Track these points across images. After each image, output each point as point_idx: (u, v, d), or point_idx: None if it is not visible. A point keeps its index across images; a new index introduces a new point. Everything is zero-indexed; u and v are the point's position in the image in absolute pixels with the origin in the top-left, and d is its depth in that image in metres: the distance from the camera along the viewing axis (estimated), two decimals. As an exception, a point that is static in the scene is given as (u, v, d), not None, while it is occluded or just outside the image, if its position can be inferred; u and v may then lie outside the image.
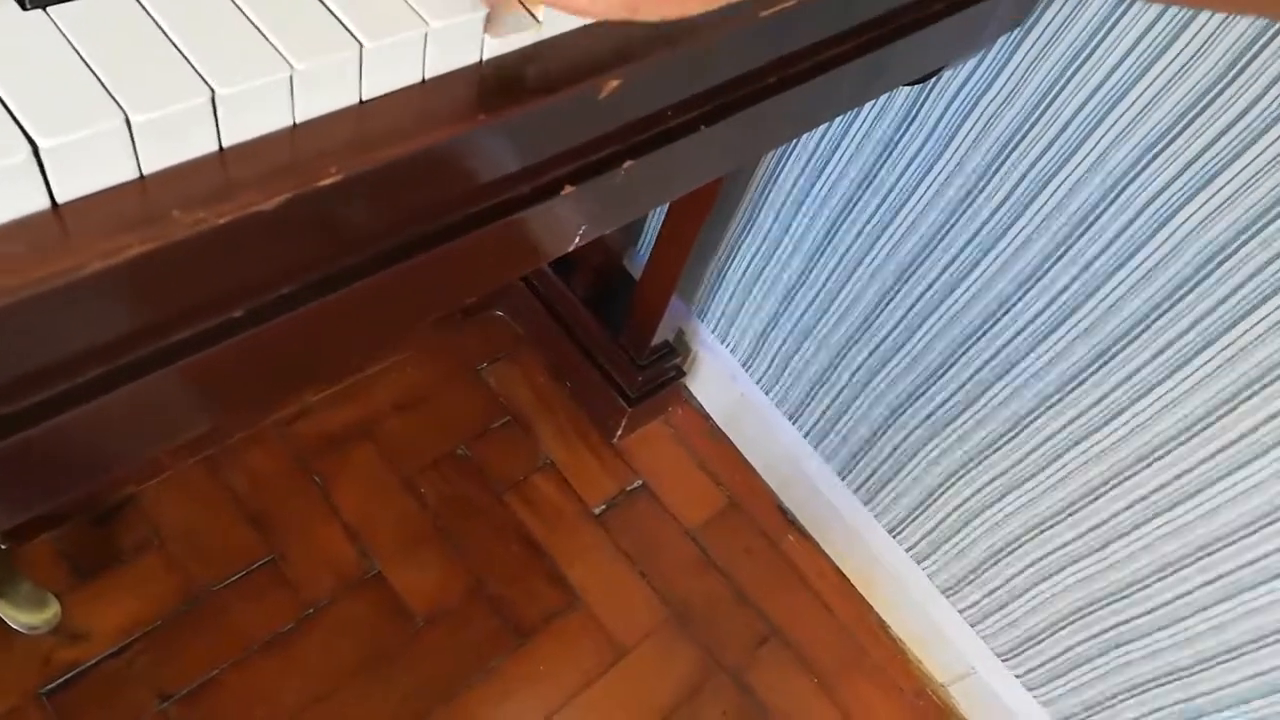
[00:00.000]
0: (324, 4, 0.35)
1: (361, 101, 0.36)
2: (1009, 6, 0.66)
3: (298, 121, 0.35)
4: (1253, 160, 0.71)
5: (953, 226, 0.93)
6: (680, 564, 1.25)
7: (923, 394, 1.06)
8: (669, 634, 1.20)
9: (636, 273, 1.19)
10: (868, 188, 0.98)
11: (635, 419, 1.28)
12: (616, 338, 1.24)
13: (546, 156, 0.43)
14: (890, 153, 0.94)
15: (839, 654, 1.24)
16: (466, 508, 1.21)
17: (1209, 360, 0.79)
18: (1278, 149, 0.69)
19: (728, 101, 0.50)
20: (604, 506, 1.26)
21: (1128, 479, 0.90)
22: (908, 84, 0.78)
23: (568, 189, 0.44)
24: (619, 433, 1.29)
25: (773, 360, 1.23)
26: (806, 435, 1.25)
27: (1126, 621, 0.97)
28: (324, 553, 1.14)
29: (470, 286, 0.46)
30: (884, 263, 1.01)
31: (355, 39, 0.35)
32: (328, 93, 0.35)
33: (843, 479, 1.23)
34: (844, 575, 1.29)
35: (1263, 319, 0.75)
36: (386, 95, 0.37)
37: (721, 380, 1.32)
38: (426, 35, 0.37)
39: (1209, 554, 0.87)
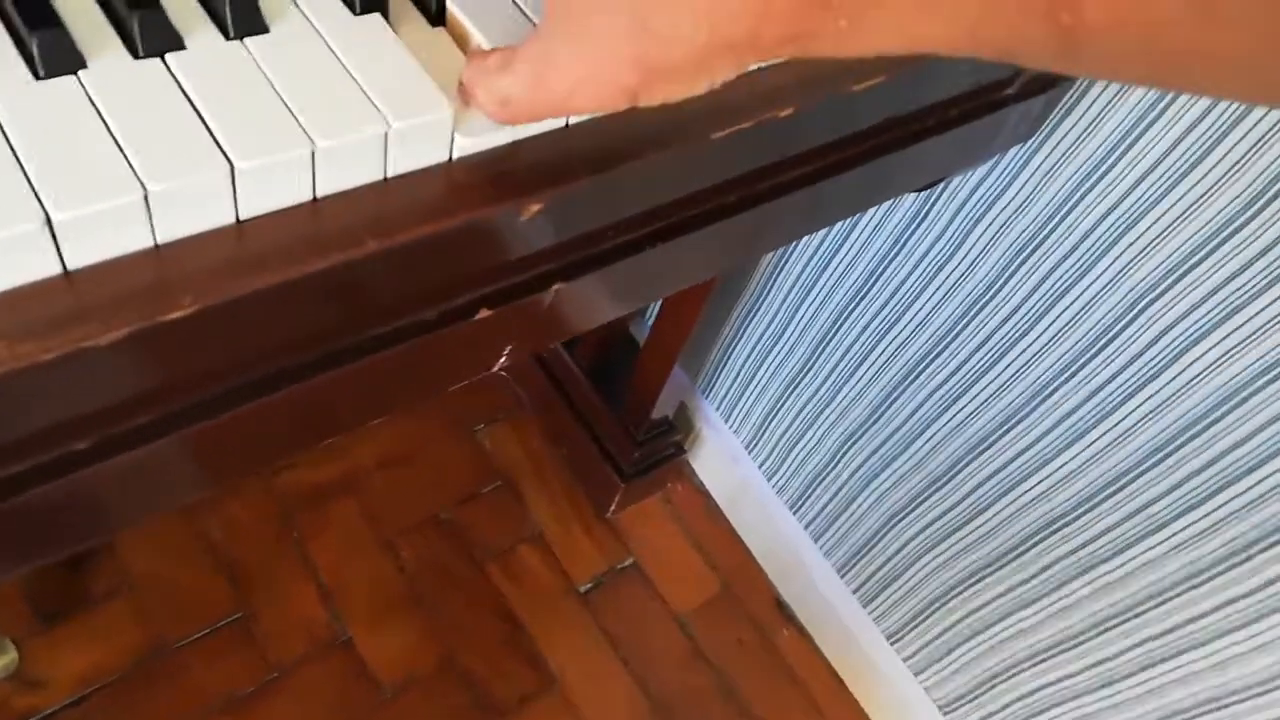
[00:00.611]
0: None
1: (239, 221, 0.33)
2: (1017, 121, 0.61)
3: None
4: (1277, 298, 0.65)
5: (962, 331, 0.88)
6: (667, 653, 1.20)
7: (925, 500, 1.00)
8: (647, 728, 1.14)
9: (643, 340, 1.15)
10: (875, 282, 0.94)
11: (630, 494, 1.24)
12: (616, 409, 1.20)
13: (460, 280, 0.40)
14: (899, 250, 0.89)
15: (827, 762, 1.17)
16: (446, 575, 1.17)
17: (1226, 504, 0.73)
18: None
19: (681, 220, 0.46)
20: (591, 584, 1.21)
21: (1136, 616, 0.83)
22: (913, 191, 0.73)
23: (483, 313, 0.40)
24: (613, 508, 1.24)
25: (775, 446, 1.18)
26: (808, 527, 1.19)
27: (1129, 767, 0.89)
28: (296, 613, 1.10)
29: (373, 408, 0.42)
30: (890, 361, 0.96)
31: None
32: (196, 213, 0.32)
33: (842, 576, 1.17)
34: (839, 678, 1.22)
35: (1287, 465, 0.69)
36: (268, 215, 0.34)
37: (723, 461, 1.27)
38: (313, 153, 0.33)
39: (1220, 707, 0.80)
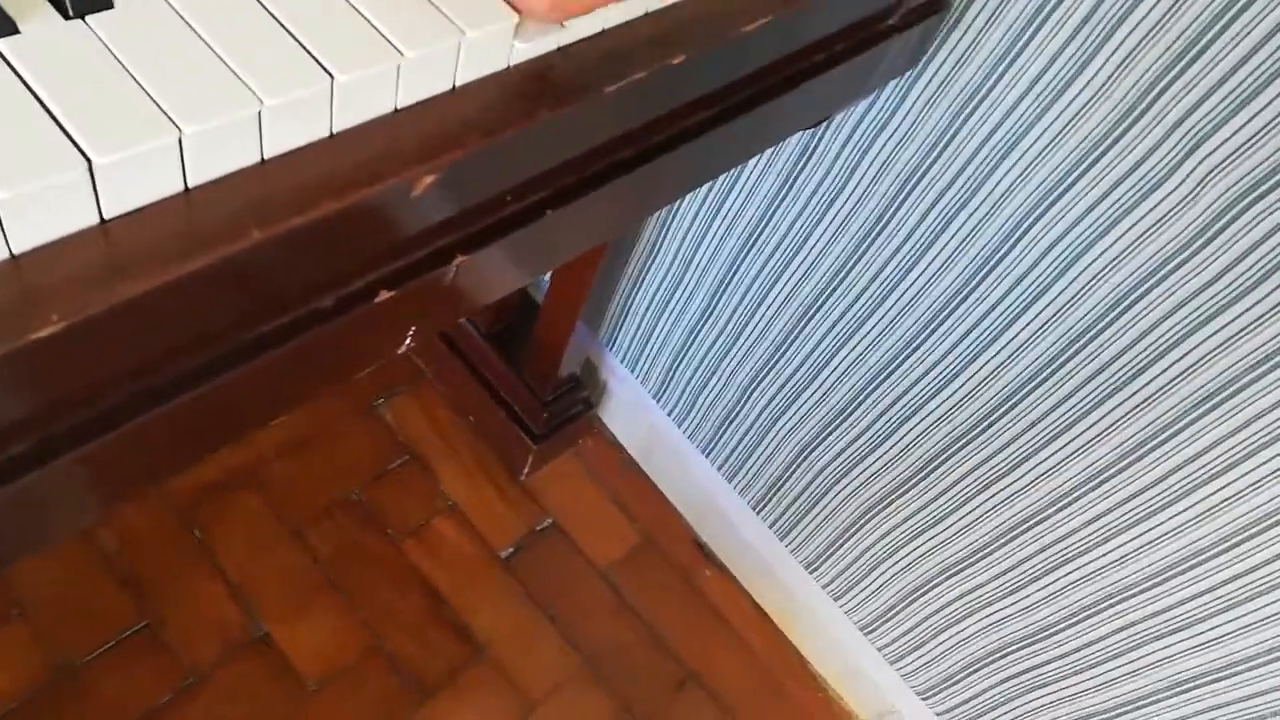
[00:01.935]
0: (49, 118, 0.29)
1: (103, 221, 0.30)
2: (897, 52, 0.61)
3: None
4: (1155, 206, 0.68)
5: (855, 265, 0.89)
6: (593, 607, 1.20)
7: (832, 432, 1.02)
8: (581, 684, 1.14)
9: (541, 298, 1.13)
10: (767, 224, 0.94)
11: (542, 455, 1.23)
12: (520, 371, 1.18)
13: (356, 262, 0.37)
14: (788, 190, 0.90)
15: (760, 694, 1.20)
16: (361, 557, 1.14)
17: (1117, 406, 0.76)
18: (1175, 199, 0.66)
19: (580, 180, 0.44)
20: (511, 549, 1.20)
21: (1038, 524, 0.87)
22: (801, 130, 0.73)
23: (384, 294, 0.38)
24: (526, 470, 1.23)
25: (683, 392, 1.19)
26: (720, 468, 1.21)
27: (1042, 666, 0.94)
28: (205, 614, 1.06)
29: (276, 405, 0.40)
30: (788, 300, 0.97)
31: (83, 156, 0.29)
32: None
33: (758, 513, 1.19)
34: (763, 611, 1.25)
35: (1171, 366, 0.72)
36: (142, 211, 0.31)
37: (633, 411, 1.27)
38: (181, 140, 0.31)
39: (1120, 601, 0.84)
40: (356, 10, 0.36)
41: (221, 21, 0.33)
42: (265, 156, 0.34)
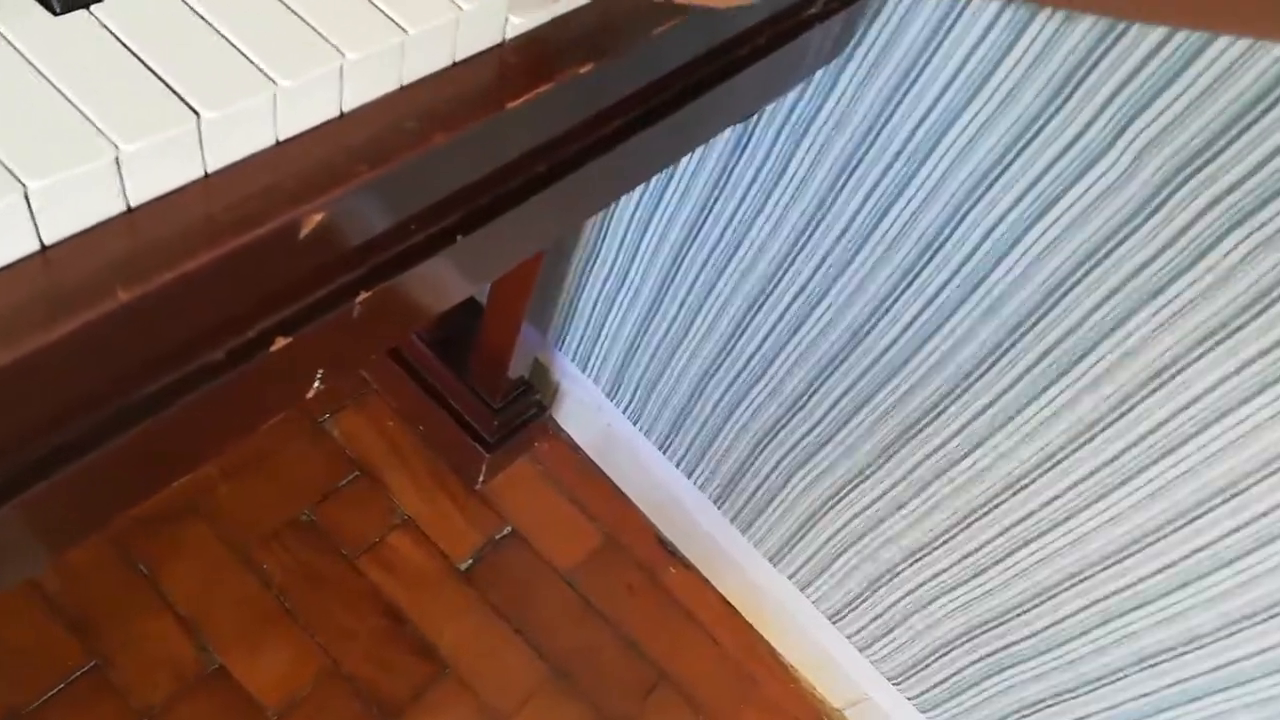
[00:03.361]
0: None
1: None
2: (821, 41, 0.59)
3: None
4: (1092, 185, 0.66)
5: (798, 255, 0.87)
6: (558, 613, 1.18)
7: (787, 422, 1.01)
8: (551, 694, 1.13)
9: (485, 301, 1.11)
10: (708, 216, 0.92)
11: (497, 462, 1.20)
12: (467, 378, 1.15)
13: (245, 310, 0.35)
14: (726, 182, 0.88)
15: (731, 689, 1.19)
16: (316, 580, 1.11)
17: (1064, 390, 0.75)
18: (1112, 176, 0.65)
19: (491, 201, 0.42)
20: (471, 560, 1.18)
21: (995, 507, 0.86)
22: (732, 124, 0.71)
23: (279, 342, 0.36)
24: (481, 478, 1.20)
25: (636, 389, 1.17)
26: (679, 464, 1.19)
27: (1009, 646, 0.94)
28: (156, 651, 1.03)
29: (166, 474, 0.37)
30: (734, 292, 0.95)
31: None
32: None
33: (719, 507, 1.18)
34: (730, 605, 1.24)
35: (1117, 345, 0.71)
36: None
37: (587, 411, 1.25)
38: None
39: (1082, 580, 0.84)
40: (225, 39, 0.33)
41: (76, 62, 0.30)
42: (132, 205, 0.31)
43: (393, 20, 0.35)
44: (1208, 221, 0.63)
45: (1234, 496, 0.71)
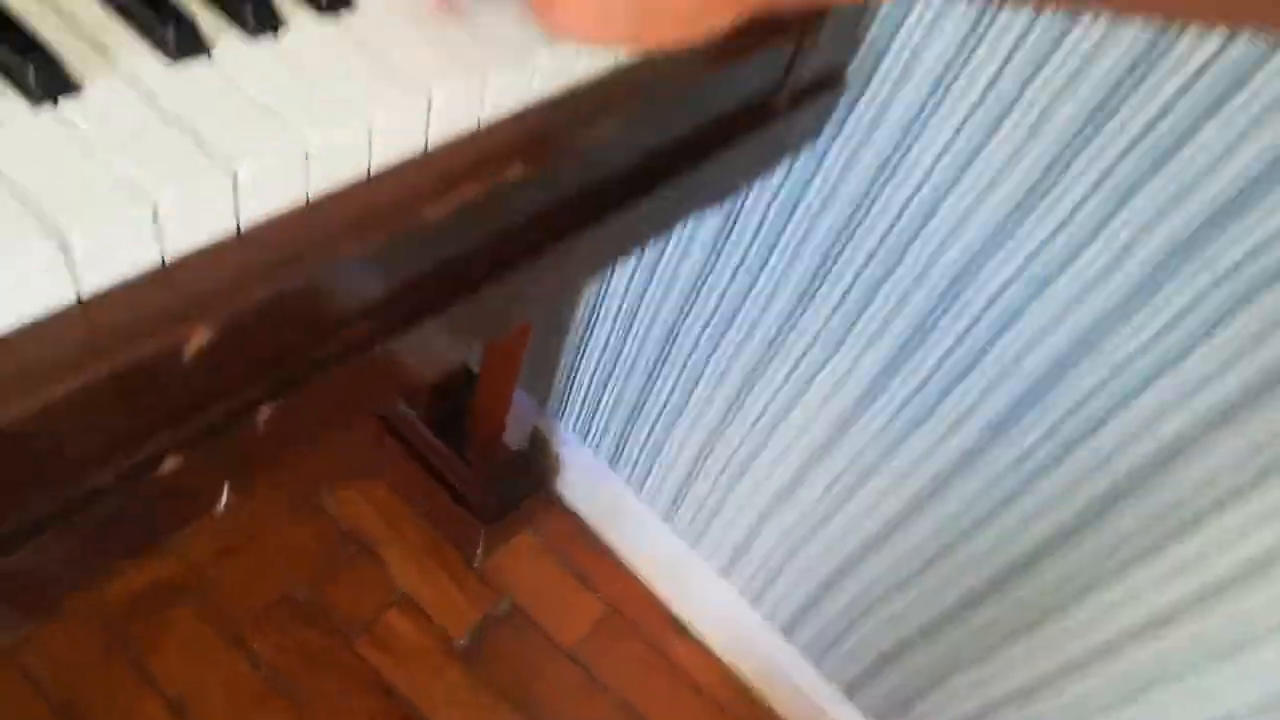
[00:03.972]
0: None
1: None
2: (792, 132, 0.57)
3: None
4: (1085, 267, 0.63)
5: (791, 331, 0.84)
6: (562, 689, 1.15)
7: (795, 491, 0.97)
8: (551, 776, 1.09)
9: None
10: (700, 290, 0.90)
11: (495, 536, 1.17)
12: (463, 452, 1.13)
13: (136, 429, 0.33)
14: (717, 257, 0.85)
15: (740, 769, 1.14)
16: (309, 660, 1.08)
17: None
18: (1104, 260, 0.62)
19: (411, 308, 0.40)
20: (470, 638, 1.15)
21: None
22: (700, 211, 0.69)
23: (171, 461, 0.34)
24: (479, 553, 1.18)
25: (639, 459, 1.14)
26: (682, 535, 1.16)
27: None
28: (144, 736, 1.00)
29: (79, 581, 0.35)
30: (731, 362, 0.93)
31: None
32: None
33: (726, 578, 1.14)
34: (738, 678, 1.19)
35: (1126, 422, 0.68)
36: None
37: (590, 482, 1.22)
38: None
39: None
40: (110, 155, 0.31)
41: None
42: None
43: (285, 134, 0.33)
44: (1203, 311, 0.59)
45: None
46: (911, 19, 0.62)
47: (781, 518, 1.00)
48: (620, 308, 1.00)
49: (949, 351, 0.73)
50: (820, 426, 0.89)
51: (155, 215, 0.31)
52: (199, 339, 0.31)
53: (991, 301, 0.69)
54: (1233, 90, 0.52)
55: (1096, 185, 0.60)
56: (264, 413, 0.35)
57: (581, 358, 1.11)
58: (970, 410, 0.75)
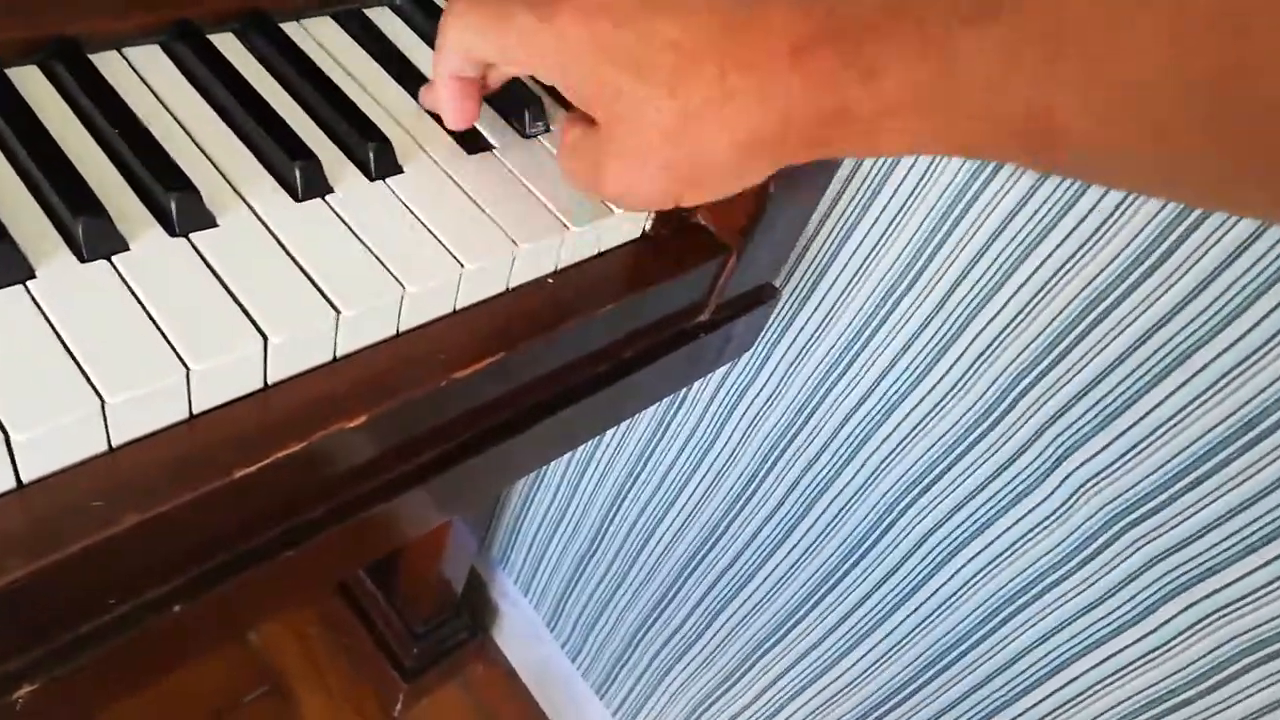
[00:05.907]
0: None
1: None
2: (721, 344, 0.54)
3: None
4: (1029, 512, 0.59)
5: (732, 523, 0.80)
6: None
7: (728, 690, 0.91)
8: None
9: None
10: (644, 466, 0.86)
11: (417, 690, 1.11)
12: (391, 595, 1.07)
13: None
14: (662, 436, 0.82)
15: None
16: (198, 811, 1.01)
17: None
18: (1048, 507, 0.58)
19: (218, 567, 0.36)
20: (376, 798, 1.07)
21: None
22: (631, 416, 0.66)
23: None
24: (398, 708, 1.11)
25: (575, 626, 1.08)
26: (615, 713, 1.09)
27: None
28: None
29: None
30: (672, 544, 0.88)
31: None
32: None
33: (655, 763, 1.07)
34: None
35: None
36: None
37: (526, 638, 1.16)
38: None
39: None
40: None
41: None
42: None
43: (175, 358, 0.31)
44: (1151, 577, 0.55)
45: None
46: (858, 234, 0.59)
47: (720, 711, 0.94)
48: (567, 470, 0.96)
49: (884, 578, 0.69)
50: (755, 629, 0.84)
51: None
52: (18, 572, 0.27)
53: (929, 534, 0.64)
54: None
55: (1039, 432, 0.56)
56: (20, 696, 0.31)
57: (528, 510, 1.06)
58: (901, 644, 0.70)
